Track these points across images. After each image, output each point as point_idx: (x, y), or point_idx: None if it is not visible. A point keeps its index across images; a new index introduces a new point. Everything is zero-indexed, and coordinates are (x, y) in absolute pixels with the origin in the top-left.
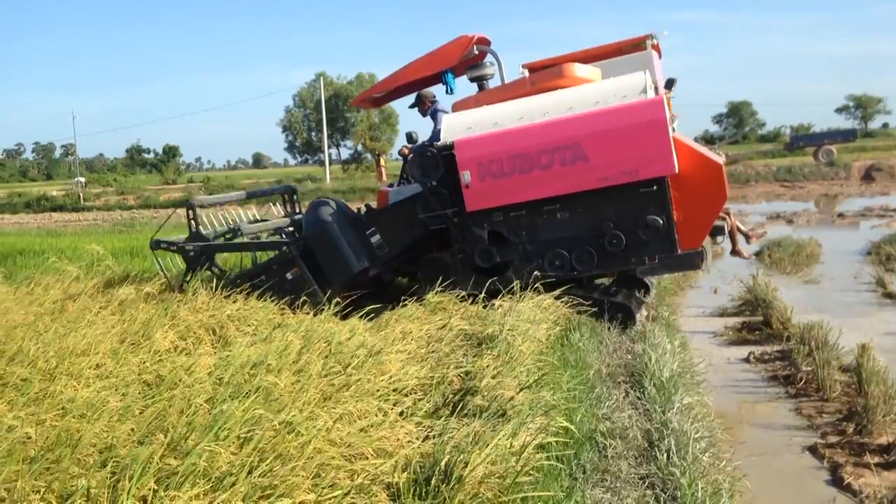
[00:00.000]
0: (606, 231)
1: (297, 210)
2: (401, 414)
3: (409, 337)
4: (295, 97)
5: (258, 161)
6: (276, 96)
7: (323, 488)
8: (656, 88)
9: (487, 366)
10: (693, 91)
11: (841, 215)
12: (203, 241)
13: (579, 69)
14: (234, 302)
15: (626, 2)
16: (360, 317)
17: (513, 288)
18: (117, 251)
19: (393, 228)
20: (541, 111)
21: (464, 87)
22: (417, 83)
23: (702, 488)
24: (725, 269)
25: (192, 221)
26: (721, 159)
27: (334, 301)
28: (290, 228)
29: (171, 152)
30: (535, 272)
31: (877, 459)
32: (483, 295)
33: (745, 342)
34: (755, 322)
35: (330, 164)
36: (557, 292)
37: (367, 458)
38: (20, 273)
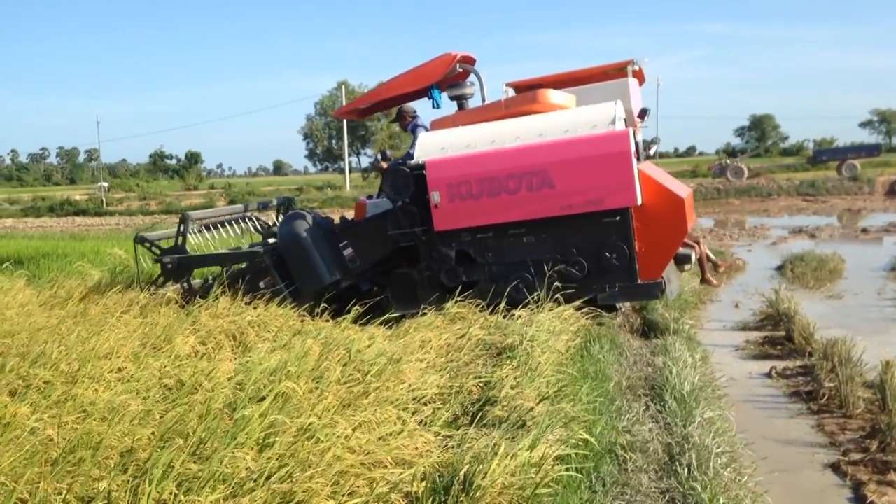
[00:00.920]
0: (570, 257)
1: None
2: (420, 423)
3: (428, 346)
4: (316, 105)
5: (279, 168)
6: (297, 104)
7: (342, 496)
8: (626, 120)
9: (507, 376)
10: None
11: (864, 230)
12: (175, 252)
13: (553, 95)
14: (255, 308)
15: (649, 13)
16: (380, 324)
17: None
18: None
19: (365, 242)
20: (513, 136)
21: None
22: (401, 98)
23: None
24: (747, 283)
25: (181, 236)
26: (685, 192)
27: (353, 309)
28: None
29: (193, 158)
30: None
31: None
32: (504, 304)
33: (766, 357)
34: (777, 337)
35: (350, 171)
36: (578, 303)
37: (385, 466)
38: (44, 276)
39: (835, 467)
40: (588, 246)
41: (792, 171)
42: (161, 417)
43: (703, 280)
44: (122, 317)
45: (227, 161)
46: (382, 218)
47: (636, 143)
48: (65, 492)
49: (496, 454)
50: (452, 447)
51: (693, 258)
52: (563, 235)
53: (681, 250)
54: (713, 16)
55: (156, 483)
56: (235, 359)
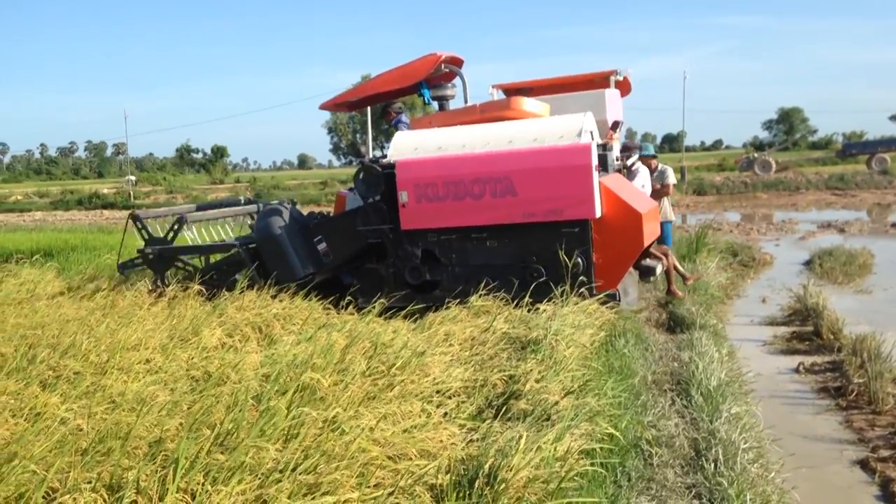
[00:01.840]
0: (529, 263)
1: None
2: (444, 415)
3: (452, 339)
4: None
5: (303, 162)
6: (321, 98)
7: (367, 487)
8: (593, 133)
9: (531, 370)
10: (743, 96)
11: (894, 225)
12: (160, 244)
13: (526, 103)
14: (280, 301)
15: (676, 5)
16: (404, 318)
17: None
18: None
19: (338, 238)
20: (483, 141)
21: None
22: (386, 94)
23: (750, 500)
24: (774, 278)
25: (143, 231)
26: (645, 207)
27: (379, 302)
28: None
29: (219, 152)
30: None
31: None
32: (528, 298)
33: (794, 352)
34: (805, 332)
35: None
36: (602, 296)
37: (410, 458)
38: (73, 268)
39: (863, 464)
40: (547, 254)
41: (820, 165)
42: (188, 408)
43: (669, 292)
44: (150, 309)
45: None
46: (354, 214)
47: (604, 156)
48: (94, 480)
49: (521, 447)
50: (477, 440)
51: (658, 270)
52: (523, 242)
53: (646, 262)
54: (742, 8)
55: (183, 473)
56: (261, 351)
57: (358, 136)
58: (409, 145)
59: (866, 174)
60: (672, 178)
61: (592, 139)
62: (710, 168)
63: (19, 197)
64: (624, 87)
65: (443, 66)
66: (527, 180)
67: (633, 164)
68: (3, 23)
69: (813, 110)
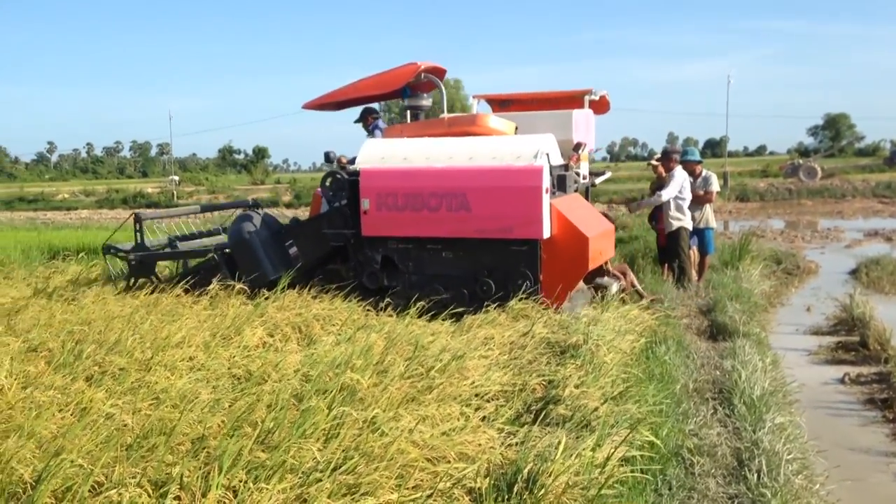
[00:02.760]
0: (480, 277)
1: None
2: (483, 419)
3: (491, 342)
4: (385, 103)
5: None
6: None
7: (406, 489)
8: (549, 155)
9: (570, 375)
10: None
11: None
12: (145, 252)
13: (492, 120)
14: (320, 302)
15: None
16: (444, 320)
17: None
18: None
19: (307, 241)
20: (446, 155)
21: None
22: (366, 99)
23: None
24: (819, 286)
25: (139, 234)
26: (595, 231)
27: (418, 304)
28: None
29: (260, 153)
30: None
31: None
32: (566, 303)
33: (840, 362)
34: (851, 342)
35: None
36: (644, 303)
37: (449, 461)
38: (117, 266)
39: None
40: (497, 269)
41: (867, 172)
42: (230, 406)
43: None
44: (193, 307)
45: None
46: (321, 219)
47: (563, 177)
48: (139, 475)
49: (560, 453)
50: (515, 444)
51: (614, 289)
52: (475, 256)
53: (602, 281)
54: (788, 12)
55: (226, 470)
56: (301, 351)
57: None
58: (376, 154)
59: None
60: (716, 185)
61: (549, 161)
62: (753, 174)
63: (66, 195)
64: (601, 107)
65: (423, 75)
66: (480, 198)
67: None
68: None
69: (860, 116)
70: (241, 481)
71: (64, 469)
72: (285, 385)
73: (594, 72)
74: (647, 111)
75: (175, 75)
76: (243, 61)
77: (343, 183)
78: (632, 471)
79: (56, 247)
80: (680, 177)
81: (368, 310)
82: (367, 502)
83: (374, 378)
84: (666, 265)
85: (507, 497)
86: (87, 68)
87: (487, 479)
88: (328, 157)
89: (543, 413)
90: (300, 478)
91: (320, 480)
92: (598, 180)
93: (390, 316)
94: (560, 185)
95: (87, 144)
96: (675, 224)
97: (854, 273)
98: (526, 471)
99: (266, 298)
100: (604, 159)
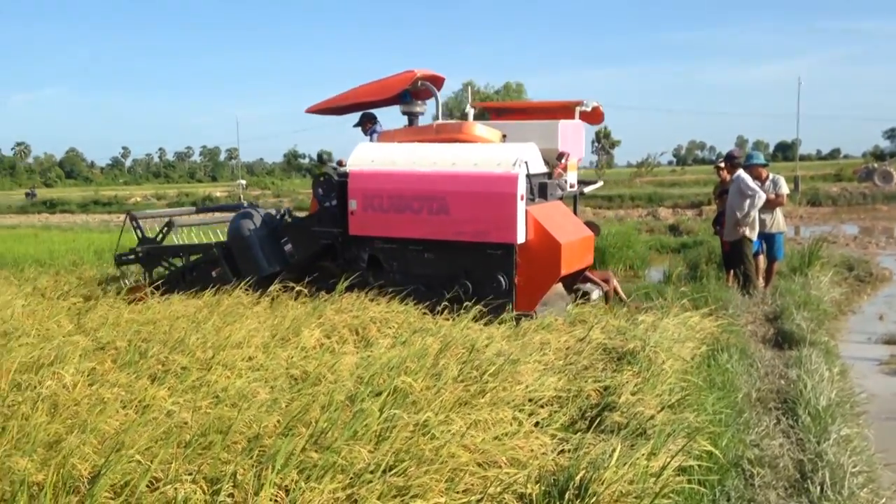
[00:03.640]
0: (459, 278)
1: None
2: (536, 424)
3: (546, 347)
4: (443, 106)
5: None
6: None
7: (456, 493)
8: (527, 163)
9: (627, 382)
10: (863, 104)
11: None
12: (151, 244)
13: (478, 128)
14: (377, 304)
15: (796, 8)
16: (499, 324)
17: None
18: None
19: (301, 239)
20: (431, 160)
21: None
22: (364, 104)
23: None
24: (893, 294)
25: (138, 230)
26: (570, 237)
27: (474, 308)
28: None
29: (323, 158)
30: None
31: None
32: (625, 309)
33: None
34: None
35: None
36: (708, 310)
37: (500, 466)
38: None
39: None
40: (475, 271)
41: None
42: (286, 406)
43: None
44: (254, 308)
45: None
46: (312, 218)
47: (544, 185)
48: (195, 472)
49: (614, 461)
50: (568, 451)
51: (595, 295)
52: (454, 258)
53: (583, 287)
54: (863, 13)
55: (279, 469)
56: (357, 352)
57: None
58: (367, 157)
59: None
60: (784, 188)
61: (528, 169)
62: (826, 178)
63: (139, 199)
64: (594, 117)
65: (419, 83)
66: (458, 202)
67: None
68: (127, 34)
69: None
70: (293, 481)
71: (122, 464)
72: (340, 387)
73: (659, 74)
74: (714, 114)
75: (243, 82)
76: (308, 69)
77: (333, 184)
78: (688, 481)
79: (124, 248)
80: (742, 181)
81: (425, 313)
82: None
83: (427, 381)
84: (731, 271)
85: None
86: (161, 75)
87: (538, 486)
88: (321, 159)
89: (598, 420)
90: (351, 478)
91: (370, 482)
92: (587, 189)
93: (447, 319)
94: (541, 192)
95: (160, 149)
96: (739, 232)
97: None
98: (578, 478)
99: (324, 300)
100: (669, 163)
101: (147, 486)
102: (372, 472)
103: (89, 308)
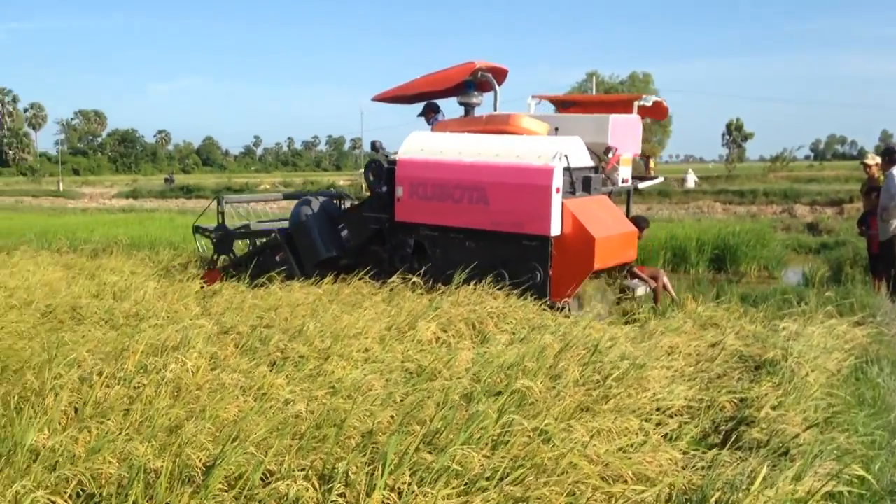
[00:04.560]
0: (496, 268)
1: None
2: (664, 436)
3: (675, 352)
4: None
5: None
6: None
7: None
8: (567, 157)
9: (766, 394)
10: None
11: None
12: (225, 230)
13: (525, 120)
14: (495, 299)
15: None
16: (624, 324)
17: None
18: None
19: (355, 224)
20: (476, 151)
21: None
22: (428, 94)
23: None
24: None
25: (221, 214)
26: (606, 232)
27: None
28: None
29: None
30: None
31: None
32: (762, 313)
33: None
34: None
35: None
36: (856, 318)
37: (625, 481)
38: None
39: None
40: (511, 262)
41: None
42: (401, 401)
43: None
44: (373, 298)
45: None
46: (364, 204)
47: (587, 178)
48: (307, 468)
49: (757, 484)
50: (701, 468)
51: (640, 292)
52: (492, 248)
53: (629, 283)
54: None
55: (391, 469)
56: (474, 348)
57: None
58: (417, 145)
59: None
60: None
61: (568, 163)
62: None
63: (268, 186)
64: (658, 113)
65: (480, 74)
66: (497, 192)
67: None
68: (260, 23)
69: None
70: (405, 483)
71: (236, 456)
72: (455, 384)
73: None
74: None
75: (367, 72)
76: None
77: (383, 170)
78: None
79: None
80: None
81: (544, 309)
82: None
83: (546, 382)
84: (879, 275)
85: None
86: (289, 66)
87: None
88: (374, 146)
89: (734, 435)
90: (465, 484)
91: (486, 490)
92: (642, 185)
93: (566, 317)
94: (585, 186)
95: (289, 138)
96: (892, 230)
97: None
98: (713, 500)
99: (441, 293)
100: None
101: (260, 479)
102: (488, 479)
103: (215, 292)
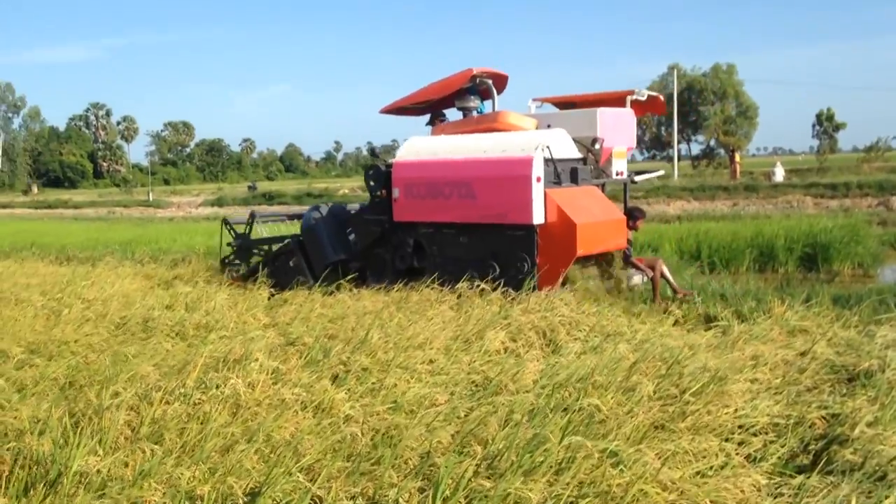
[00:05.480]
0: (487, 260)
1: None
2: (747, 458)
3: (760, 362)
4: (646, 89)
5: None
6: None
7: None
8: (549, 148)
9: (861, 410)
10: None
11: None
12: (246, 241)
13: (512, 117)
14: (566, 305)
15: None
16: (705, 330)
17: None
18: None
19: (361, 228)
20: (466, 149)
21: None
22: (432, 102)
23: None
24: None
25: (231, 231)
26: (588, 219)
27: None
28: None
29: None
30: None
31: None
32: (856, 317)
33: None
34: None
35: (679, 160)
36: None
37: None
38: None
39: None
40: (501, 252)
41: None
42: (465, 416)
43: (654, 300)
44: (440, 306)
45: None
46: (368, 208)
47: (575, 169)
48: (357, 495)
49: None
50: (788, 495)
51: (636, 280)
52: (485, 240)
53: (628, 272)
54: None
55: (444, 497)
56: (544, 357)
57: (662, 128)
58: (414, 149)
59: None
60: None
61: (550, 154)
62: None
63: (346, 190)
64: (654, 107)
65: (478, 80)
66: (482, 186)
67: None
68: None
69: None
70: None
71: (281, 484)
72: (521, 399)
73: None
74: None
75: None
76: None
77: (381, 174)
78: None
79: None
80: None
81: (619, 315)
82: None
83: (617, 396)
84: None
85: None
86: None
87: None
88: (373, 153)
89: (825, 456)
90: None
91: None
92: (638, 178)
93: (643, 323)
94: (573, 177)
95: (368, 142)
96: None
97: None
98: None
99: (511, 300)
100: None
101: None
102: None
103: (284, 301)
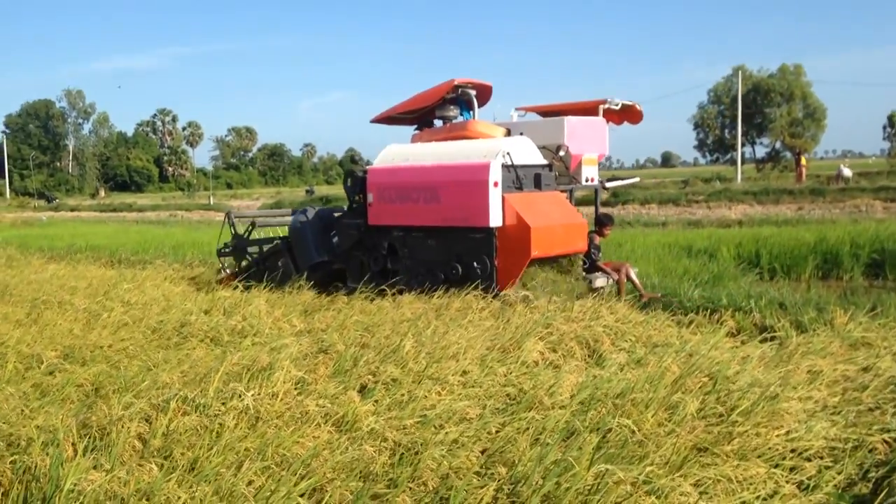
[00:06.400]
0: (451, 261)
1: None
2: (798, 485)
3: (818, 379)
4: (709, 93)
5: (666, 160)
6: (690, 93)
7: None
8: (509, 154)
9: None
10: None
11: None
12: (239, 240)
13: (480, 125)
14: (612, 314)
15: None
16: (760, 342)
17: None
18: None
19: (343, 231)
20: (436, 156)
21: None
22: (417, 112)
23: None
24: None
25: (232, 227)
26: (543, 222)
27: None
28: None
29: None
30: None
31: None
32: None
33: None
34: None
35: (742, 163)
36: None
37: None
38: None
39: None
40: (464, 255)
41: None
42: (496, 433)
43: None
44: (480, 313)
45: (615, 153)
46: (347, 212)
47: (538, 175)
48: None
49: None
50: None
51: (599, 283)
52: (448, 243)
53: (589, 275)
54: None
55: None
56: (586, 369)
57: (727, 130)
58: (389, 156)
59: None
60: None
61: (510, 160)
62: None
63: None
64: (631, 116)
65: (460, 90)
66: (445, 190)
67: None
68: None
69: None
70: None
71: None
72: (554, 415)
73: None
74: None
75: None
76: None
77: (357, 180)
78: None
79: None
80: None
81: (668, 325)
82: None
83: (658, 415)
84: None
85: None
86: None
87: None
88: (352, 159)
89: (886, 484)
90: None
91: None
92: (609, 184)
93: (694, 333)
94: (536, 182)
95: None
96: None
97: None
98: None
99: (555, 307)
100: None
101: None
102: None
103: (322, 307)
